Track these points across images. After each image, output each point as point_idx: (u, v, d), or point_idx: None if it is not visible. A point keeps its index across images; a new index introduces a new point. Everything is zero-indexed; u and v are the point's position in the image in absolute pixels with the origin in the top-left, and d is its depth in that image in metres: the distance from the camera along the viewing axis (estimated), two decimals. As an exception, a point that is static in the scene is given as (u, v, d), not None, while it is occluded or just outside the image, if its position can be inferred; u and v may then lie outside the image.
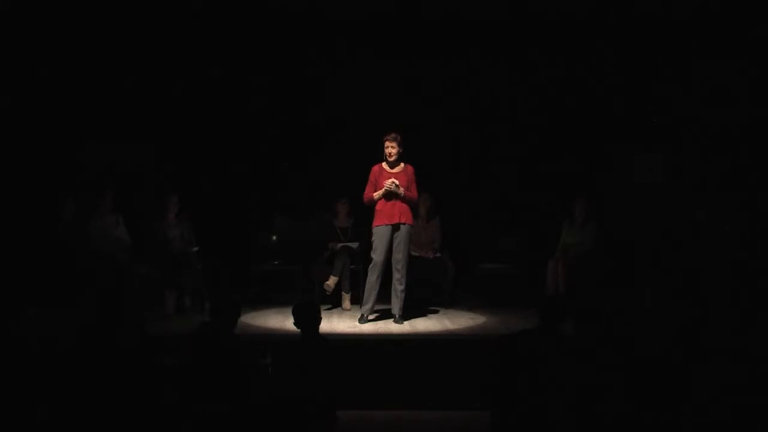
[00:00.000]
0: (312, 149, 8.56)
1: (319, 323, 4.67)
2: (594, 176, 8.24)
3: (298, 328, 4.65)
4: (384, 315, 6.89)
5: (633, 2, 8.00)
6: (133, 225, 7.51)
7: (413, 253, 7.09)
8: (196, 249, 7.41)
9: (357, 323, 6.69)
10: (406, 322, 6.70)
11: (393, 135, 6.60)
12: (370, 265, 6.65)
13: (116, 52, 8.13)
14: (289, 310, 6.85)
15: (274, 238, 8.04)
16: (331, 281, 7.27)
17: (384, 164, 6.66)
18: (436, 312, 7.28)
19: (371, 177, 6.66)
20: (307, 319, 4.62)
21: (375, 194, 6.61)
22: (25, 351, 5.40)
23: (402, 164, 6.68)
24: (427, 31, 8.32)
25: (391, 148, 6.58)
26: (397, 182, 6.53)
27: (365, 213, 6.89)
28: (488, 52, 8.37)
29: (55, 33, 7.92)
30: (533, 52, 8.33)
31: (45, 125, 8.06)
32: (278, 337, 6.02)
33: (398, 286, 6.65)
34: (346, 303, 7.41)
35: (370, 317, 6.76)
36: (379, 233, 6.61)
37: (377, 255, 6.60)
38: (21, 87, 7.90)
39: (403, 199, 6.58)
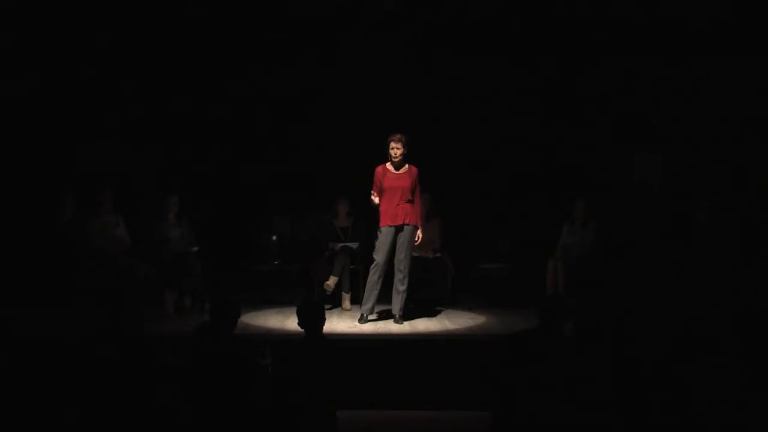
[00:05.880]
0: (312, 149, 8.57)
1: (323, 324, 4.68)
2: (594, 176, 8.24)
3: (301, 328, 4.66)
4: (384, 315, 6.89)
5: (634, 1, 8.02)
6: (133, 225, 7.51)
7: (413, 253, 7.10)
8: (196, 249, 7.41)
9: (357, 323, 6.69)
10: (406, 322, 6.70)
11: (398, 136, 6.58)
12: (372, 265, 6.64)
13: (118, 51, 8.14)
14: (290, 310, 6.91)
15: (274, 238, 8.04)
16: (331, 281, 7.27)
17: (388, 165, 6.65)
18: (436, 312, 7.27)
19: (375, 178, 6.65)
20: (312, 320, 4.63)
21: (374, 199, 6.60)
22: (25, 351, 5.41)
23: (407, 165, 6.67)
24: (428, 30, 8.33)
25: (396, 149, 6.56)
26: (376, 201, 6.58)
27: (365, 213, 6.89)
28: (488, 52, 8.37)
29: (55, 32, 7.94)
30: (534, 51, 8.33)
31: (45, 124, 8.08)
32: (278, 337, 6.02)
33: (400, 287, 6.65)
34: (346, 303, 7.41)
35: (370, 317, 6.76)
36: (383, 234, 6.61)
37: (379, 256, 6.60)
38: (21, 86, 7.90)
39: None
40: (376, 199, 6.60)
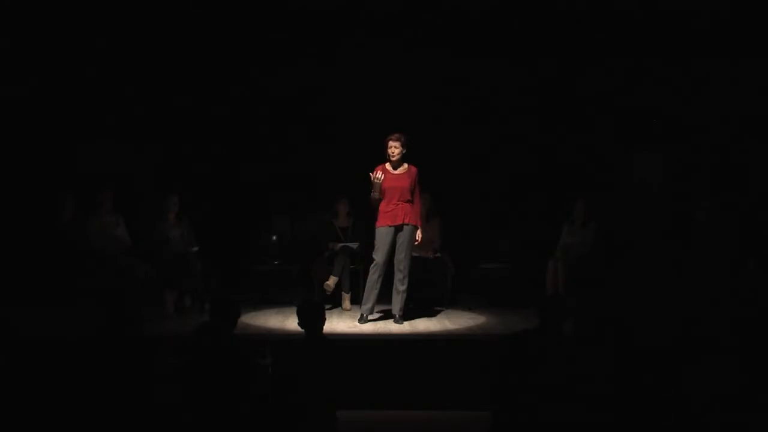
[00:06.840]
0: (312, 149, 8.57)
1: (323, 324, 4.68)
2: (594, 176, 8.24)
3: (302, 328, 4.66)
4: (384, 315, 6.89)
5: (634, 1, 8.02)
6: (133, 225, 7.51)
7: (413, 253, 7.09)
8: (196, 249, 7.41)
9: (357, 323, 6.69)
10: (406, 322, 6.70)
11: (396, 135, 6.58)
12: (372, 265, 6.64)
13: (118, 51, 8.14)
14: (289, 310, 6.92)
15: (274, 238, 8.04)
16: (331, 281, 7.27)
17: (387, 165, 6.65)
18: (436, 312, 7.27)
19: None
20: (312, 320, 4.63)
21: (375, 194, 6.59)
22: (25, 351, 5.41)
23: (405, 165, 6.67)
24: (428, 30, 8.33)
25: (395, 148, 6.56)
26: (379, 176, 6.52)
27: (365, 213, 6.89)
28: (488, 52, 8.36)
29: (55, 32, 7.94)
30: (534, 51, 8.33)
31: (45, 124, 8.08)
32: (278, 337, 6.02)
33: (400, 287, 6.64)
34: (346, 303, 7.41)
35: (370, 317, 6.76)
36: (382, 234, 6.60)
37: (379, 256, 6.59)
38: (21, 86, 7.90)
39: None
40: (378, 174, 6.55)
